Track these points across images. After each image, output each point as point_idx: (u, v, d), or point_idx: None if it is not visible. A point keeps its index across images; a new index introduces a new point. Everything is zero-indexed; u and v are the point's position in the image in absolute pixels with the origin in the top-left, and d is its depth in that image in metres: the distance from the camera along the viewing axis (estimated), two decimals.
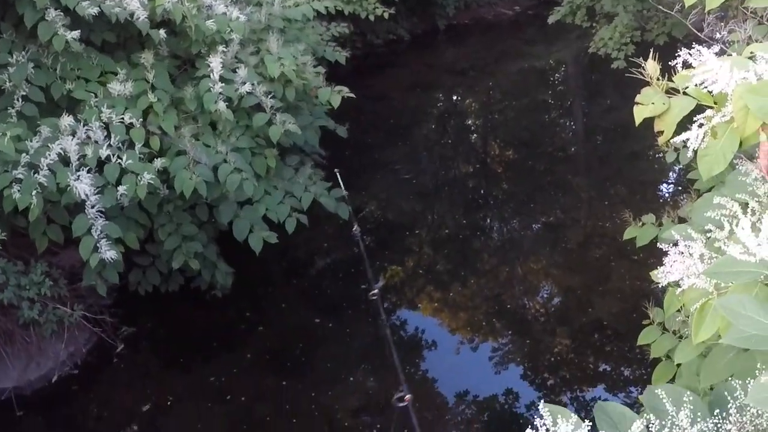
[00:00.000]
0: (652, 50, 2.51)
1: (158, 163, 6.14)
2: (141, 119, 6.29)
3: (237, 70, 6.74)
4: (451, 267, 8.44)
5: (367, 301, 7.40)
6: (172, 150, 6.46)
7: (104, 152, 5.92)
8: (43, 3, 5.85)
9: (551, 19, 11.92)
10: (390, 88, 13.16)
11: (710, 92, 2.21)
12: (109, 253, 5.78)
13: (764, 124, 2.06)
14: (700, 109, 2.28)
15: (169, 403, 6.73)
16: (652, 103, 2.34)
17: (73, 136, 5.86)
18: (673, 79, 2.34)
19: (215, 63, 6.53)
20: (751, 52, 2.31)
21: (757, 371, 1.77)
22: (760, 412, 1.66)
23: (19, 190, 5.48)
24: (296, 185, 7.36)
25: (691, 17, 6.08)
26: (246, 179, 6.53)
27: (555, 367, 6.85)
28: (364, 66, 13.27)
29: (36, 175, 5.56)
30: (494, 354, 7.14)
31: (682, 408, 1.70)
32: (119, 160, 5.95)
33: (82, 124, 6.00)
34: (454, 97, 13.97)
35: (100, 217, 5.82)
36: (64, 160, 5.77)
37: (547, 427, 1.61)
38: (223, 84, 6.55)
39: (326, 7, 8.35)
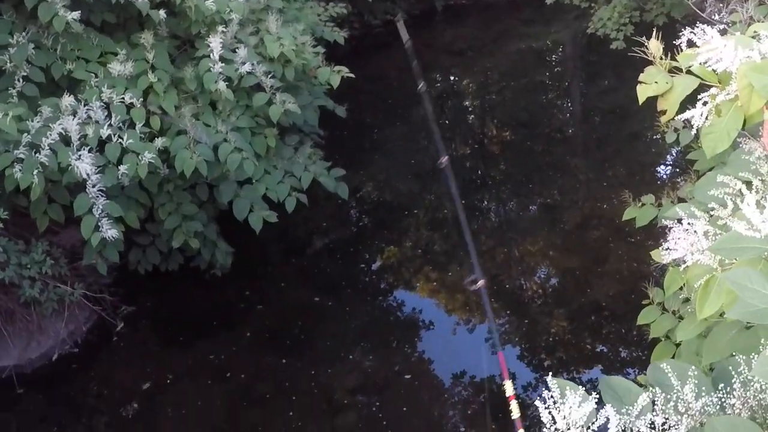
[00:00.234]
0: (654, 30, 2.52)
1: (159, 142, 6.15)
2: (141, 99, 6.29)
3: (237, 50, 6.73)
4: (448, 247, 8.45)
5: (366, 279, 7.43)
6: (172, 129, 6.46)
7: (105, 132, 5.93)
8: None
9: None
10: (388, 68, 13.12)
11: (714, 71, 2.22)
12: (110, 232, 5.80)
13: None
14: (702, 89, 2.30)
15: (168, 381, 6.76)
16: (655, 82, 2.36)
17: (74, 116, 5.86)
18: (677, 58, 2.36)
19: (215, 43, 6.51)
20: (755, 32, 2.33)
21: (761, 347, 1.79)
22: (764, 386, 1.68)
23: (20, 170, 5.49)
24: (296, 165, 7.37)
25: None
26: (246, 159, 6.55)
27: (552, 348, 6.88)
28: (361, 46, 13.22)
29: (37, 154, 5.57)
30: (491, 335, 7.17)
31: (687, 383, 1.72)
32: (120, 140, 5.96)
33: (82, 104, 6.00)
34: (452, 78, 13.93)
35: (101, 196, 5.83)
36: (65, 139, 5.78)
37: (555, 399, 1.64)
38: (223, 64, 6.55)
39: None
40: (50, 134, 5.63)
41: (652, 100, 2.37)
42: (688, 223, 2.26)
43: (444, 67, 13.89)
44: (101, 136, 5.93)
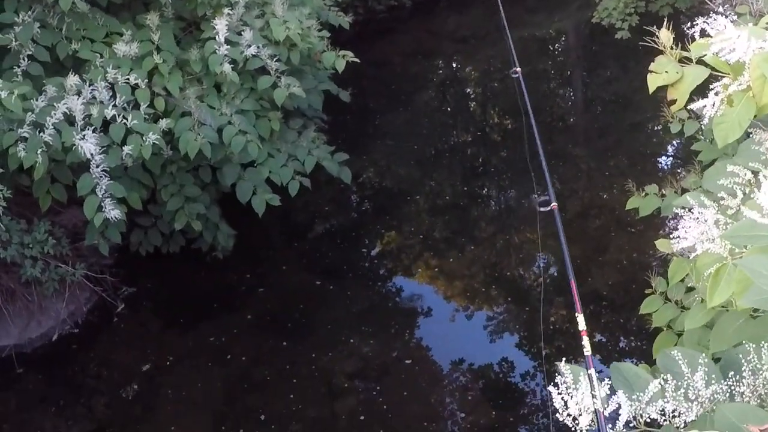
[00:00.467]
0: (664, 20, 2.52)
1: (163, 123, 6.15)
2: (146, 80, 6.29)
3: (242, 32, 6.73)
4: (449, 234, 8.46)
5: (367, 264, 7.44)
6: (176, 111, 6.47)
7: (109, 112, 5.93)
8: None
9: None
10: (391, 54, 13.11)
11: (727, 61, 2.23)
12: (114, 213, 5.80)
13: None
14: (710, 79, 2.31)
15: (168, 362, 6.78)
16: (666, 72, 2.37)
17: (79, 96, 5.86)
18: (687, 48, 2.37)
19: (221, 25, 6.50)
20: (767, 23, 2.34)
21: None
22: None
23: (24, 149, 5.50)
24: (299, 148, 7.38)
25: None
26: (250, 141, 6.56)
27: (551, 337, 6.89)
28: (365, 32, 13.19)
29: (41, 134, 5.57)
30: (489, 323, 7.19)
31: (698, 370, 1.73)
32: (124, 120, 5.95)
33: (87, 84, 5.99)
34: (455, 65, 13.91)
35: (105, 176, 5.84)
36: (70, 119, 5.77)
37: (567, 384, 1.65)
38: (229, 46, 6.55)
39: None
40: (54, 114, 5.63)
41: (653, 92, 2.39)
42: (699, 212, 2.27)
43: (447, 53, 13.87)
44: (105, 117, 5.93)
